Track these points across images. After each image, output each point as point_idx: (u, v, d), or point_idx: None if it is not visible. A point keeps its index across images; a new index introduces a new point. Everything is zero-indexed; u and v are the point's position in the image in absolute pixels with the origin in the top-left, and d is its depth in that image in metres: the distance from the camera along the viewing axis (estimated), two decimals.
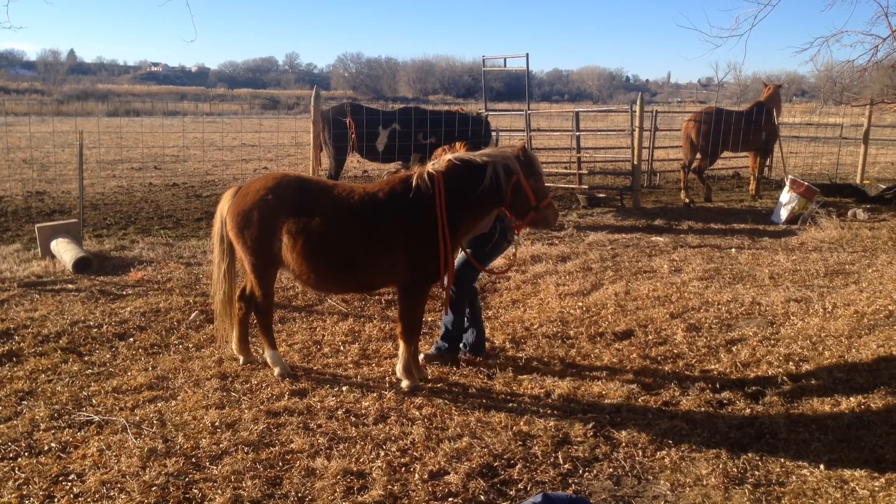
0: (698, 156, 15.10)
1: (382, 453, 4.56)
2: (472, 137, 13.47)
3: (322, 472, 4.32)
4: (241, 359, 6.02)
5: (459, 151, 5.56)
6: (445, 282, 5.48)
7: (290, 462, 4.45)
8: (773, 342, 6.64)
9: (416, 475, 4.31)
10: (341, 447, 4.62)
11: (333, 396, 5.40)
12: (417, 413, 5.13)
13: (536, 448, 4.66)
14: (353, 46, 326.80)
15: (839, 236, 11.20)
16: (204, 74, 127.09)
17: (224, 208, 5.69)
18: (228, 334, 6.04)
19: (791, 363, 6.13)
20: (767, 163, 17.16)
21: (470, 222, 5.53)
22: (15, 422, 4.90)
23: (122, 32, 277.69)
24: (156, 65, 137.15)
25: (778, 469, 4.46)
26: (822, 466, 4.48)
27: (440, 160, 5.39)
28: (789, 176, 13.62)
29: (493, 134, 17.11)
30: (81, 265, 8.66)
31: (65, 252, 8.88)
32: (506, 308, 7.68)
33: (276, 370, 5.78)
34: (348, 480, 4.24)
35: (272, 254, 5.47)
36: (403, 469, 4.40)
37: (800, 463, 4.52)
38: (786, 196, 12.87)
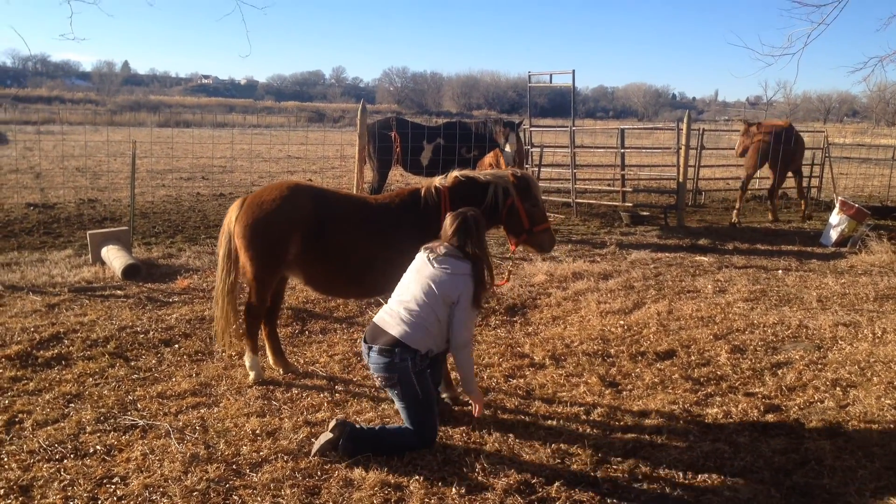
0: (760, 173, 14.73)
1: (420, 466, 4.56)
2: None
3: (360, 482, 4.34)
4: (281, 370, 6.10)
5: (465, 170, 5.87)
6: None
7: (329, 472, 4.48)
8: (819, 366, 6.49)
9: (454, 489, 4.30)
10: (379, 459, 4.63)
11: (372, 408, 5.42)
12: (455, 427, 5.13)
13: (575, 466, 4.62)
14: (398, 61, 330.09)
15: (890, 260, 10.92)
16: (252, 87, 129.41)
17: (231, 221, 5.70)
18: (228, 347, 6.09)
19: (838, 388, 5.98)
20: (815, 184, 16.85)
21: None
22: (62, 424, 5.02)
23: (175, 45, 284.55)
24: (206, 77, 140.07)
25: (823, 496, 4.35)
26: (867, 494, 4.36)
27: (447, 176, 5.75)
28: (839, 197, 13.35)
29: (539, 150, 17.11)
30: (130, 272, 8.86)
31: (115, 259, 9.09)
32: (546, 325, 7.64)
33: (251, 375, 5.90)
34: (386, 492, 4.25)
35: (281, 263, 5.61)
36: (441, 483, 4.39)
37: (846, 490, 4.41)
38: (835, 218, 12.60)
